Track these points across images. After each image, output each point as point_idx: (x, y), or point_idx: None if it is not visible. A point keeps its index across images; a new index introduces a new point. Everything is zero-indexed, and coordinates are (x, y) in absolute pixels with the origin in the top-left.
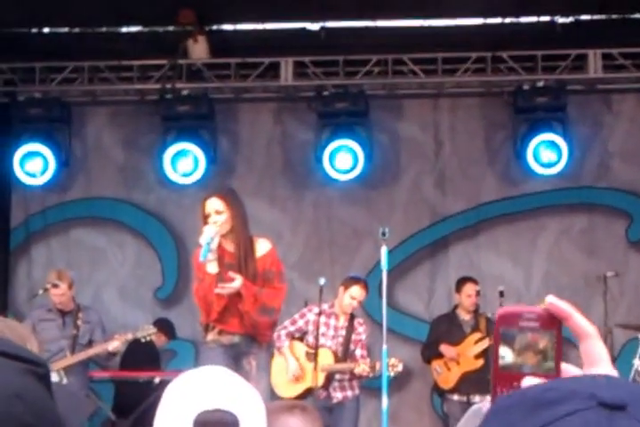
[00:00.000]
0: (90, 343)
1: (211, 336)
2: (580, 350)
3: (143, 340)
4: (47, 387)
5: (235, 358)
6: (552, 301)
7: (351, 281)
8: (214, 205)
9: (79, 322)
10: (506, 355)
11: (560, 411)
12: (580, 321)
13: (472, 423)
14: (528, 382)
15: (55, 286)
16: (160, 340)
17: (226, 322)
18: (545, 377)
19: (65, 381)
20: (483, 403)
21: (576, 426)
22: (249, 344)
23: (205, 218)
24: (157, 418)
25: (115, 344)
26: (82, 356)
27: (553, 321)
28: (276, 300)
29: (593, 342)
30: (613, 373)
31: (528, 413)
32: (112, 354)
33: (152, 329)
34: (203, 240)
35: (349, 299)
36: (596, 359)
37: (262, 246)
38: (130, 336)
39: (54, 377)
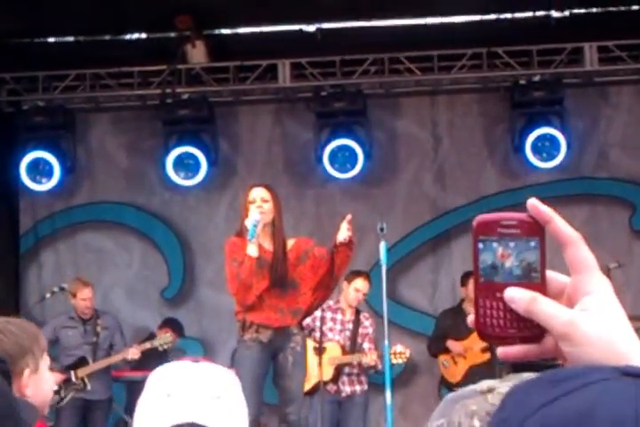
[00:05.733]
0: (111, 347)
1: (248, 335)
2: (564, 258)
3: (161, 349)
4: (8, 382)
5: (272, 355)
6: (533, 203)
7: (354, 275)
8: (261, 193)
9: (98, 329)
10: (487, 265)
11: (581, 381)
12: (562, 226)
13: (447, 411)
14: (511, 291)
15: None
16: None
17: (261, 311)
18: (529, 287)
19: (89, 387)
20: (456, 392)
21: (598, 393)
22: (287, 339)
23: (249, 203)
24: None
25: (133, 352)
26: (103, 364)
27: (535, 227)
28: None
29: (577, 248)
30: (603, 280)
31: (547, 387)
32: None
33: (169, 338)
34: (249, 222)
35: (354, 292)
36: (583, 266)
37: (290, 242)
38: (148, 346)
39: (78, 384)
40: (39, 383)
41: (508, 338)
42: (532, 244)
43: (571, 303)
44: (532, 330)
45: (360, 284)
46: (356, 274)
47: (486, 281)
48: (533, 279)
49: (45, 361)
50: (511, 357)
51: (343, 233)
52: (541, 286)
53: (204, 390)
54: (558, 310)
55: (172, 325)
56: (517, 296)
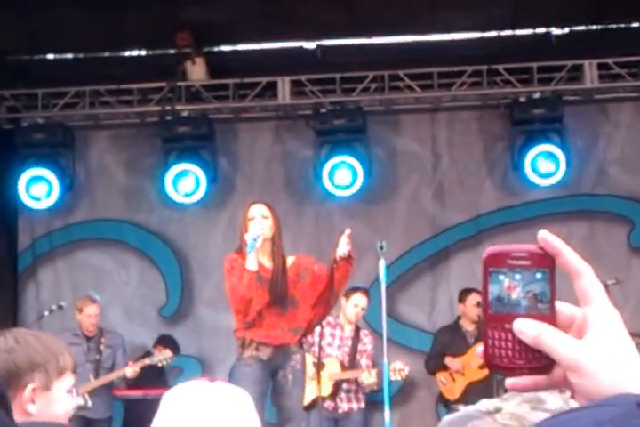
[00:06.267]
0: (113, 366)
1: (248, 352)
2: (574, 289)
3: (160, 364)
4: (3, 404)
5: (271, 373)
6: (543, 236)
7: (351, 291)
8: (260, 210)
9: (102, 347)
10: (495, 296)
11: (605, 402)
12: (571, 258)
13: None
14: (520, 323)
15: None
16: None
17: (261, 329)
18: (539, 318)
19: (90, 404)
20: (454, 414)
21: (598, 413)
22: (286, 358)
23: (248, 220)
24: None
25: (132, 370)
26: (103, 380)
27: (545, 259)
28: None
29: (587, 280)
30: (610, 312)
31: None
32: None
33: (168, 353)
34: (250, 236)
35: (353, 307)
36: (591, 298)
37: (290, 259)
38: (147, 362)
39: (79, 401)
40: (49, 404)
41: (517, 369)
42: (540, 275)
43: (580, 335)
44: (540, 361)
45: (358, 298)
46: (354, 289)
47: (495, 312)
48: (542, 311)
49: (64, 382)
50: (520, 388)
51: (342, 247)
52: (550, 318)
53: (220, 409)
54: (566, 341)
55: (166, 342)
56: (525, 328)
